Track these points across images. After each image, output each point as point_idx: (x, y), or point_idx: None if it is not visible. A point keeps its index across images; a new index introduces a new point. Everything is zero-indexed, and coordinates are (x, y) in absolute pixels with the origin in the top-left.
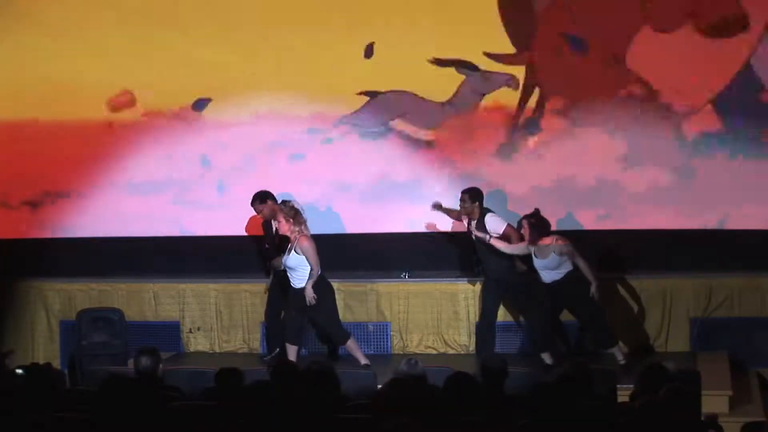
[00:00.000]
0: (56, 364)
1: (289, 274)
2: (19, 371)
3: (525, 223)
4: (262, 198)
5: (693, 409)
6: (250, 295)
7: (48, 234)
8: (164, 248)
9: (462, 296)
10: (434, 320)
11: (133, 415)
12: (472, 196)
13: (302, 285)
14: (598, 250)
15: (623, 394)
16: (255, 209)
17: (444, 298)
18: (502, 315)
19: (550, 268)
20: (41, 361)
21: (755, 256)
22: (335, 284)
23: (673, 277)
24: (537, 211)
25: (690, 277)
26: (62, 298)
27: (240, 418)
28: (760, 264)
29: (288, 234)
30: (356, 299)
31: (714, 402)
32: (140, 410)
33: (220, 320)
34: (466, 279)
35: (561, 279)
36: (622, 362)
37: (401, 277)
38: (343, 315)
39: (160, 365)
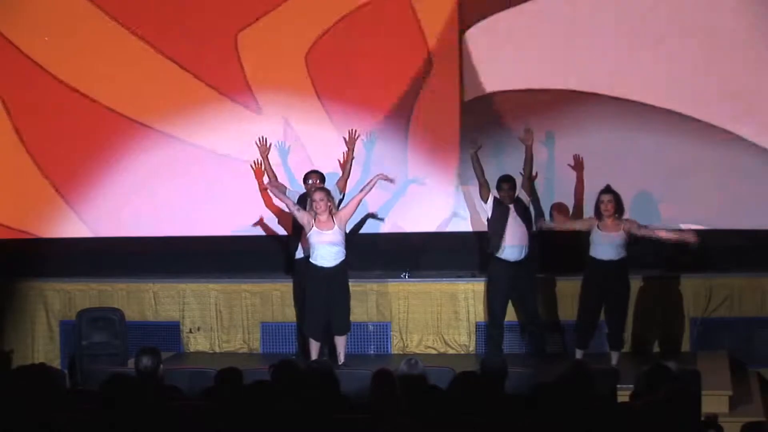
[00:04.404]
0: (56, 364)
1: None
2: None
3: (609, 197)
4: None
5: (693, 409)
6: (250, 295)
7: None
8: (164, 248)
9: (462, 296)
10: (434, 320)
11: (134, 415)
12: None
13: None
14: None
15: (623, 394)
16: (314, 184)
17: (444, 298)
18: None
19: (615, 245)
20: (41, 362)
21: (755, 256)
22: None
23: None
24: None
25: (690, 277)
26: (62, 298)
27: (240, 418)
28: (760, 264)
29: (325, 212)
30: (356, 299)
31: (714, 402)
32: (140, 410)
33: (220, 320)
34: (466, 279)
35: (617, 261)
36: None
37: (401, 277)
38: None
39: (161, 365)
